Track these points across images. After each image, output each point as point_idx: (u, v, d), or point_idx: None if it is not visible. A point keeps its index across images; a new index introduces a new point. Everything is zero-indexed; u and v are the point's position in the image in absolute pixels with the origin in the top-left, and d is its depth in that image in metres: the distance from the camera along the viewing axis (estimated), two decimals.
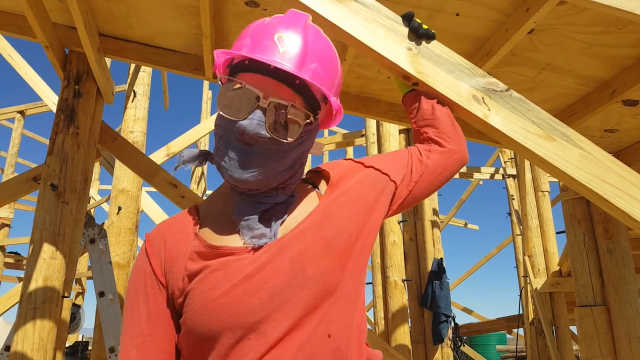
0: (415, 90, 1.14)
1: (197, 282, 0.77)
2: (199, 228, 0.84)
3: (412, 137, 5.33)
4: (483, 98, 1.05)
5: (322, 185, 0.93)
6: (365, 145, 5.96)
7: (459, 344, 5.16)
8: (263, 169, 0.78)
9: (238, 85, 0.78)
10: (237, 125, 0.76)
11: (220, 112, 0.79)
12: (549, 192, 5.32)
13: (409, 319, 4.56)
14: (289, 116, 0.78)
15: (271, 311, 0.75)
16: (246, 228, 0.79)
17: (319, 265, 0.78)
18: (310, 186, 0.92)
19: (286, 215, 0.83)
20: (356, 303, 0.83)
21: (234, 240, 0.80)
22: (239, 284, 0.76)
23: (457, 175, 6.65)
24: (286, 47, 0.79)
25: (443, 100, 1.09)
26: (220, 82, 0.83)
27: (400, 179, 0.95)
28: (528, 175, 5.43)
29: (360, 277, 0.86)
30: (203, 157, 0.87)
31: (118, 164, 3.83)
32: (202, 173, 9.34)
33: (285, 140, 0.78)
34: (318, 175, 0.96)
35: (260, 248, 0.79)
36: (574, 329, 5.42)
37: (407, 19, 1.12)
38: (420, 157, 1.01)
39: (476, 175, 6.89)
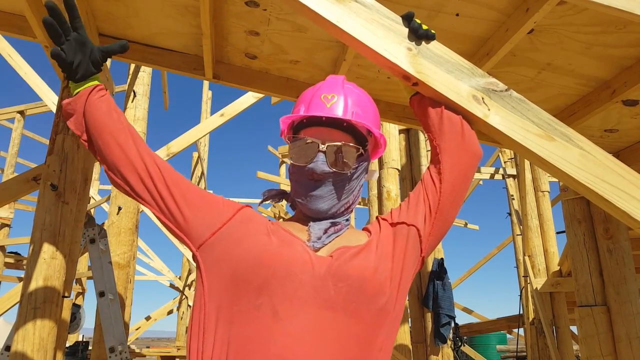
0: (419, 94, 1.13)
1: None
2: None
3: (412, 137, 5.33)
4: (483, 98, 1.04)
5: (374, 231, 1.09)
6: None
7: (459, 343, 5.15)
8: (331, 197, 1.01)
9: (303, 139, 1.01)
10: (307, 168, 1.00)
11: (293, 162, 1.02)
12: (549, 192, 5.32)
13: (409, 319, 4.55)
14: (343, 152, 1.00)
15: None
16: (315, 233, 0.99)
17: (361, 275, 0.93)
18: (365, 230, 1.10)
19: (339, 234, 1.02)
20: (377, 335, 0.93)
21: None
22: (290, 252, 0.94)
23: None
24: (331, 102, 1.02)
25: (442, 101, 1.08)
26: (288, 141, 1.06)
27: (420, 220, 1.04)
28: (528, 175, 5.43)
29: (393, 320, 0.98)
30: (282, 195, 1.12)
31: None
32: (202, 173, 9.35)
33: (344, 172, 1.01)
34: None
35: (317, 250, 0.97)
36: (574, 329, 5.42)
37: (407, 19, 1.11)
38: (434, 186, 1.05)
39: (476, 175, 6.88)
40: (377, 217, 1.10)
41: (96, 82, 1.10)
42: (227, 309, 0.89)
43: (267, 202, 1.12)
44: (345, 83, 1.10)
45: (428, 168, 1.09)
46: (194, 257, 0.99)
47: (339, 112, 1.01)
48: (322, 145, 0.99)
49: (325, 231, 0.99)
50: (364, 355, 0.87)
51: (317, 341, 0.84)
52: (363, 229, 1.11)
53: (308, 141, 1.00)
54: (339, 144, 1.00)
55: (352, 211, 1.07)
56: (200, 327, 0.91)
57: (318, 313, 0.86)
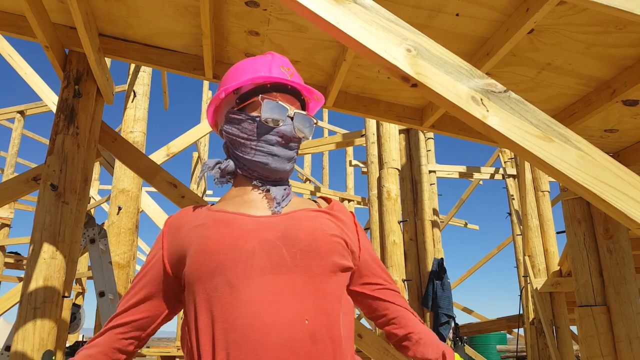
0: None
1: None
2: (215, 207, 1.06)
3: (412, 137, 5.34)
4: (481, 99, 1.05)
5: (322, 203, 1.15)
6: (365, 145, 5.96)
7: (459, 343, 5.15)
8: (291, 161, 1.06)
9: (275, 100, 1.04)
10: (278, 129, 1.03)
11: (264, 121, 1.03)
12: (549, 192, 5.31)
13: None
14: (308, 121, 1.08)
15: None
16: (276, 199, 1.03)
17: (312, 235, 0.97)
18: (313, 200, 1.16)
19: (290, 197, 1.07)
20: (340, 300, 0.97)
21: (252, 211, 1.01)
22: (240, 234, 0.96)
23: (457, 175, 6.64)
24: (289, 74, 1.10)
25: (441, 103, 1.09)
26: (236, 101, 1.07)
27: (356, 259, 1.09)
28: (528, 175, 5.43)
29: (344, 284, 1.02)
30: (231, 172, 1.09)
31: (118, 164, 3.83)
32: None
33: (303, 139, 1.08)
34: (321, 200, 1.17)
35: (276, 215, 1.01)
36: (574, 328, 5.41)
37: None
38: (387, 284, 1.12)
39: (476, 175, 6.88)
40: (329, 200, 1.14)
41: None
42: (195, 306, 0.93)
43: (218, 182, 1.08)
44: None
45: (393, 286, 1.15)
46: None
47: (299, 83, 1.09)
48: (291, 111, 1.05)
49: (282, 196, 1.04)
50: (324, 305, 0.92)
51: (278, 302, 0.88)
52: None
53: (280, 104, 1.04)
54: (305, 113, 1.07)
55: None
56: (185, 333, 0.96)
57: (273, 277, 0.90)
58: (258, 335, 0.85)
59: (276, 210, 1.01)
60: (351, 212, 1.15)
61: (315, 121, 1.10)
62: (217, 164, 1.07)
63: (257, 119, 1.04)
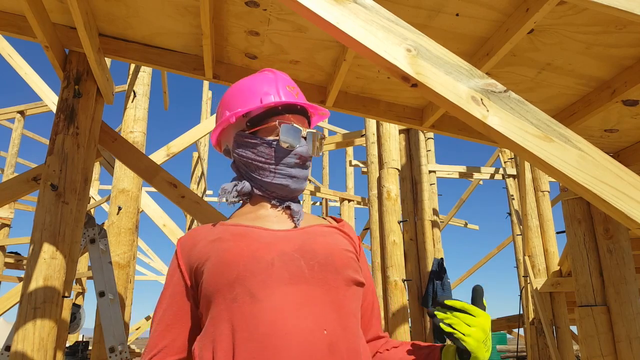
0: None
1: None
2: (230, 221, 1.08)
3: (412, 137, 5.34)
4: (482, 99, 1.05)
5: (331, 221, 1.18)
6: (365, 145, 5.96)
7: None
8: (306, 179, 1.10)
9: (291, 123, 1.06)
10: (296, 151, 1.06)
11: (282, 144, 1.05)
12: (549, 192, 5.31)
13: (409, 319, 4.56)
14: (319, 139, 1.11)
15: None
16: (296, 215, 1.06)
17: (328, 249, 0.99)
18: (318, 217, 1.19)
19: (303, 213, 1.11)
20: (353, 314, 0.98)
21: (267, 225, 1.04)
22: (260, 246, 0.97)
23: (457, 175, 6.64)
24: (295, 93, 1.12)
25: (441, 103, 1.09)
26: (247, 125, 1.09)
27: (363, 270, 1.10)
28: (528, 175, 5.43)
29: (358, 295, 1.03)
30: (247, 193, 1.10)
31: (118, 164, 3.83)
32: (202, 173, 9.35)
33: (317, 155, 1.12)
34: (330, 219, 1.21)
35: (292, 229, 1.04)
36: (574, 328, 5.41)
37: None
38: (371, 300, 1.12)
39: (476, 175, 6.88)
40: (340, 220, 1.17)
41: None
42: (214, 317, 0.93)
43: (231, 203, 1.10)
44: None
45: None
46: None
47: (305, 103, 1.13)
48: (304, 132, 1.08)
49: (300, 211, 1.08)
50: (340, 317, 0.93)
51: (298, 311, 0.89)
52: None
53: (295, 126, 1.06)
54: (315, 131, 1.11)
55: None
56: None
57: (292, 287, 0.91)
58: (279, 342, 0.85)
59: (297, 224, 1.04)
60: (358, 237, 1.18)
61: (324, 136, 1.14)
62: (234, 186, 1.09)
63: (274, 142, 1.05)
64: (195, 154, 9.43)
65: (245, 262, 0.93)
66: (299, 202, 1.12)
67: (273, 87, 1.10)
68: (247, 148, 1.07)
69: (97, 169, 8.52)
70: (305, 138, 1.08)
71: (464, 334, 0.92)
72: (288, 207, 1.07)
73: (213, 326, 0.92)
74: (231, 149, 1.12)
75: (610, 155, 1.16)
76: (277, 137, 1.06)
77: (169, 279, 1.04)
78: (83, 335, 10.09)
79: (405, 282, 4.40)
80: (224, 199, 1.08)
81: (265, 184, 1.07)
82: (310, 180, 11.13)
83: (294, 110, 1.09)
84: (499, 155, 7.22)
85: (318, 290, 0.92)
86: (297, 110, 1.09)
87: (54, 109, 4.57)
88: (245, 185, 1.08)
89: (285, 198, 1.08)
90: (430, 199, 5.27)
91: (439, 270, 4.70)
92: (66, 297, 2.00)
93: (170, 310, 1.01)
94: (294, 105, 1.09)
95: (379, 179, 4.53)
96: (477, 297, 0.98)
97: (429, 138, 6.64)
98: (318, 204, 10.61)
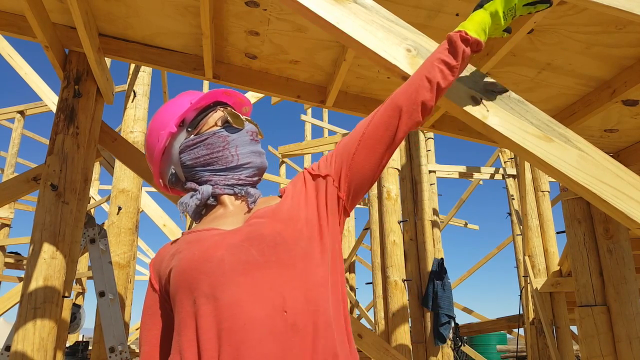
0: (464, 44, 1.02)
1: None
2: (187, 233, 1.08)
3: (412, 137, 5.33)
4: (482, 99, 1.05)
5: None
6: None
7: (459, 343, 5.15)
8: (264, 154, 1.12)
9: (234, 111, 1.13)
10: (247, 129, 1.10)
11: (236, 125, 1.10)
12: (549, 192, 5.31)
13: (409, 319, 4.56)
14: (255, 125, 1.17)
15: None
16: (251, 197, 1.06)
17: (275, 229, 0.97)
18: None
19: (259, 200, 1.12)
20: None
21: (222, 225, 1.03)
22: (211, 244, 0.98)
23: (457, 175, 6.64)
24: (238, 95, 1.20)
25: (441, 102, 1.09)
26: (222, 112, 1.13)
27: (330, 169, 1.06)
28: (528, 175, 5.43)
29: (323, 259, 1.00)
30: (204, 204, 1.10)
31: (118, 164, 3.83)
32: None
33: (261, 137, 1.16)
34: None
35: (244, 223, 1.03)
36: (574, 328, 5.41)
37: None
38: (362, 127, 1.04)
39: (476, 175, 6.88)
40: (304, 170, 1.13)
41: None
42: (179, 325, 0.94)
43: (196, 215, 1.11)
44: None
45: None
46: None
47: (225, 90, 1.19)
48: (243, 116, 1.14)
49: (256, 195, 1.08)
50: (306, 292, 0.92)
51: (254, 299, 0.89)
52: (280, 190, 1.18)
53: (233, 111, 1.13)
54: (249, 118, 1.16)
55: None
56: None
57: (246, 277, 0.92)
58: (240, 335, 0.86)
59: (250, 207, 1.05)
60: (315, 163, 1.13)
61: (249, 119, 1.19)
62: (192, 196, 1.08)
63: (223, 129, 1.09)
64: None
65: (197, 266, 0.94)
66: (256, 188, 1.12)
67: (194, 94, 1.15)
68: (199, 147, 1.08)
69: (97, 169, 8.52)
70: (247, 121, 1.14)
71: None
72: (247, 193, 1.07)
73: (178, 334, 0.93)
74: (180, 164, 1.11)
75: (610, 155, 1.17)
76: (221, 125, 1.10)
77: (146, 302, 1.07)
78: (83, 335, 10.09)
79: (405, 282, 4.40)
80: (185, 213, 1.08)
81: (229, 170, 1.08)
82: None
83: (220, 103, 1.15)
84: (499, 155, 7.22)
85: (274, 272, 0.92)
86: (222, 103, 1.15)
87: (54, 109, 4.57)
88: (204, 189, 1.07)
89: (249, 181, 1.09)
90: (430, 199, 5.27)
91: (439, 271, 4.69)
92: (66, 297, 2.00)
93: (155, 329, 1.04)
94: (217, 100, 1.15)
95: (379, 179, 4.53)
96: None
97: (429, 138, 6.63)
98: None
